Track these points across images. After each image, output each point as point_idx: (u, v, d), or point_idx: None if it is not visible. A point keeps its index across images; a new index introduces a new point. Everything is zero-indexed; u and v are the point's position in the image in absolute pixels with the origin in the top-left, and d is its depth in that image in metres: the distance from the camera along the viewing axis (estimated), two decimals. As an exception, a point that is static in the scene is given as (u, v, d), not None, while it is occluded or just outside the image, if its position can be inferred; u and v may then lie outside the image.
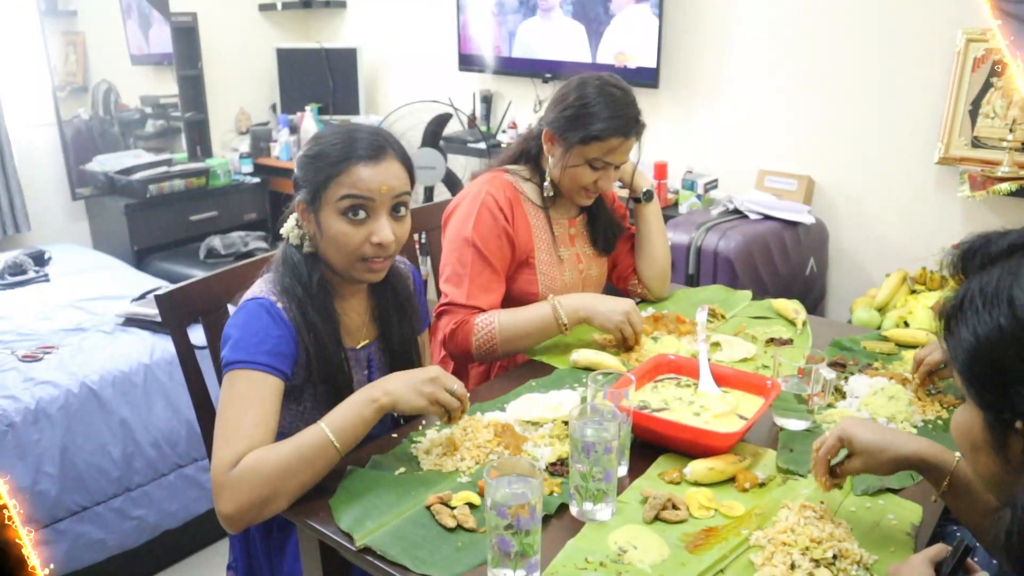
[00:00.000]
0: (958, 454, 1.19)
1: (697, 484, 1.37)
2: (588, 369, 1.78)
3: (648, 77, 3.51)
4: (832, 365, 1.84)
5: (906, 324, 2.75)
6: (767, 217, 3.14)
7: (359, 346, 1.61)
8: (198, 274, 1.81)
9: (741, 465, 1.39)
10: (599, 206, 2.08)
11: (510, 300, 1.95)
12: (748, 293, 2.30)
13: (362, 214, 1.46)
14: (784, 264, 3.09)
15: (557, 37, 3.82)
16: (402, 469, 1.41)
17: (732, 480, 1.38)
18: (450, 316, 1.86)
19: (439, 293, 1.96)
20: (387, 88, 4.76)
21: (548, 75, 3.91)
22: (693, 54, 3.55)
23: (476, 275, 1.87)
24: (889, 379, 1.72)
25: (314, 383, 1.52)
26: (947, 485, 1.19)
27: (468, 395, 1.42)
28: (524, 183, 2.00)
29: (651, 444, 1.47)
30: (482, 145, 3.97)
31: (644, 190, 2.12)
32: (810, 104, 3.30)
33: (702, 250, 2.98)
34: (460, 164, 4.09)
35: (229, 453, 1.31)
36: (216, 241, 3.96)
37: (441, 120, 3.75)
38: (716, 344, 1.93)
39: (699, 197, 3.42)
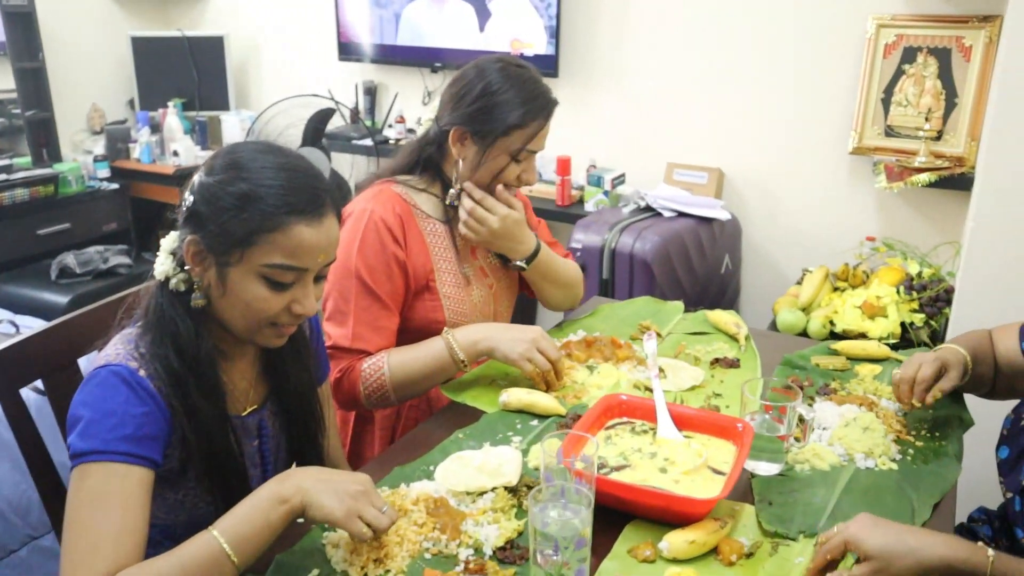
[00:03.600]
0: (991, 552, 1.02)
1: (676, 561, 1.14)
2: (521, 412, 1.53)
3: (547, 66, 3.28)
4: (789, 388, 1.66)
5: (832, 324, 2.63)
6: (681, 214, 2.97)
7: (247, 412, 1.30)
8: (50, 298, 1.44)
9: (723, 532, 1.18)
10: None
11: (413, 333, 1.68)
12: (679, 305, 2.10)
13: (288, 278, 1.16)
14: (701, 264, 2.93)
15: (446, 22, 3.54)
16: (315, 573, 1.12)
17: (714, 550, 1.17)
18: (334, 362, 1.58)
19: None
20: (259, 80, 4.35)
21: (438, 64, 3.62)
22: (594, 40, 3.34)
23: (361, 312, 1.60)
24: (859, 406, 1.54)
25: (194, 465, 1.21)
26: None
27: (397, 517, 1.15)
28: (418, 194, 1.72)
29: (614, 509, 1.23)
30: (368, 142, 3.65)
31: (515, 263, 1.79)
32: (719, 93, 3.15)
33: (617, 253, 2.78)
34: (345, 163, 3.76)
35: None
36: (70, 258, 3.47)
37: (323, 116, 3.41)
38: (661, 371, 1.71)
39: (606, 194, 3.22)
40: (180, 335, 1.18)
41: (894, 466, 1.40)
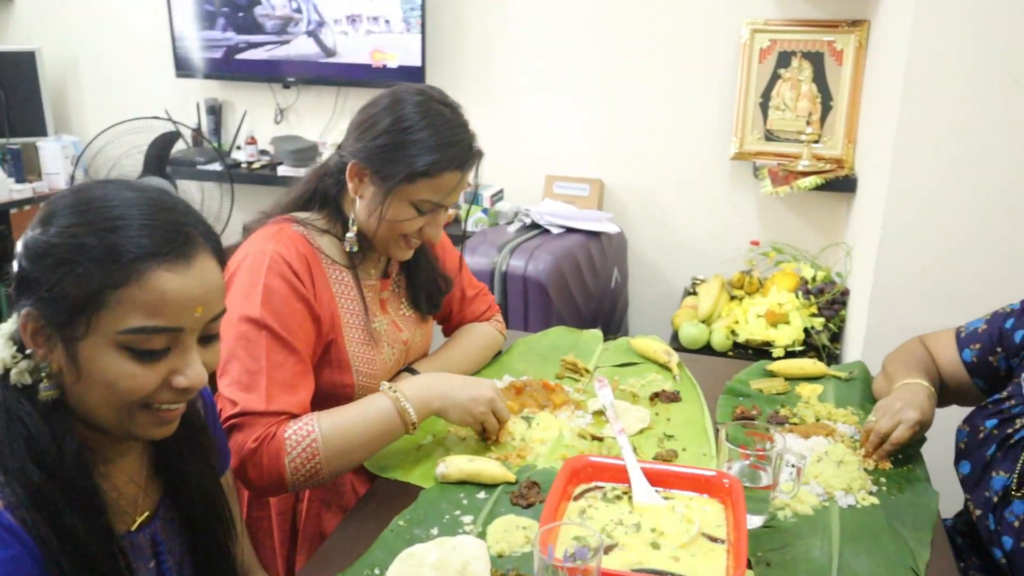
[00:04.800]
0: None
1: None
2: (464, 483, 1.32)
3: (413, 77, 3.06)
4: (742, 419, 1.54)
5: (735, 334, 2.57)
6: (569, 229, 2.83)
7: (136, 526, 1.03)
8: None
9: (735, 613, 1.02)
10: (420, 255, 1.61)
11: (314, 401, 1.39)
12: (597, 334, 1.95)
13: (159, 344, 0.90)
14: (594, 281, 2.81)
15: (296, 32, 3.24)
16: None
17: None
18: (245, 432, 1.27)
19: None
20: (80, 101, 3.86)
21: (290, 79, 3.32)
22: (463, 50, 3.15)
23: (276, 369, 1.31)
24: (825, 436, 1.44)
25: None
26: None
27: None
28: (320, 236, 1.46)
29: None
30: (217, 166, 3.30)
31: None
32: (597, 103, 3.05)
33: (508, 276, 2.60)
34: (193, 192, 3.38)
35: None
36: None
37: (165, 141, 3.03)
38: (601, 414, 1.55)
39: (485, 211, 3.04)
40: (35, 440, 0.89)
41: (875, 500, 1.31)
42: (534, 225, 2.86)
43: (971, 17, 1.88)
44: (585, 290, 2.75)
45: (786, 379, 1.73)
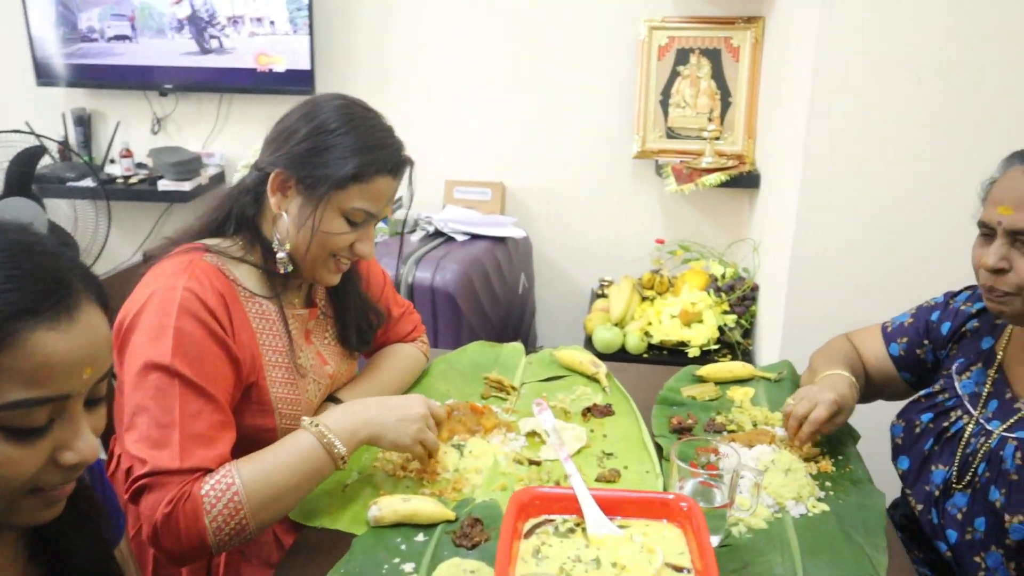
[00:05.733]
0: None
1: None
2: (400, 525, 1.21)
3: (302, 82, 2.90)
4: (680, 431, 1.49)
5: (649, 336, 2.54)
6: (474, 236, 2.74)
7: None
8: None
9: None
10: (349, 286, 1.49)
11: (234, 447, 1.23)
12: (518, 347, 1.86)
13: (41, 419, 0.74)
14: (502, 288, 2.72)
15: (171, 35, 3.02)
16: None
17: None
18: (157, 495, 1.12)
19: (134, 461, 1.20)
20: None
21: (167, 86, 3.09)
22: (355, 53, 3.01)
23: (191, 420, 1.15)
24: (769, 444, 1.40)
25: None
26: None
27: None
28: (236, 266, 1.31)
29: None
30: (89, 182, 3.04)
31: None
32: (496, 105, 2.97)
33: (415, 287, 2.49)
34: (64, 211, 3.11)
35: None
36: None
37: (29, 157, 2.76)
38: (534, 435, 1.47)
39: (385, 221, 2.91)
40: None
41: (825, 506, 1.28)
42: (438, 233, 2.76)
43: (874, 15, 1.89)
44: (494, 298, 2.67)
45: (716, 383, 1.69)
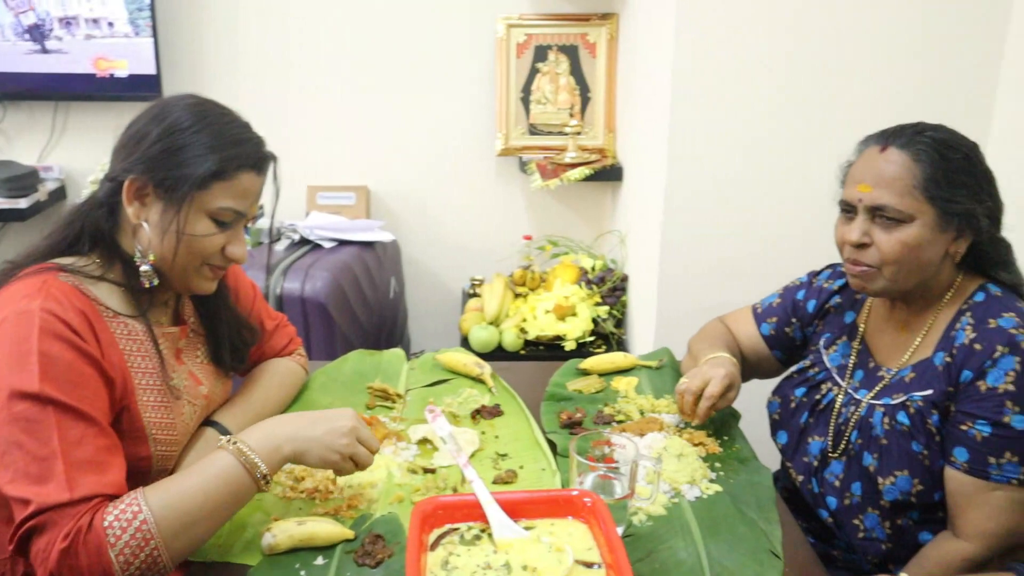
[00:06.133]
0: None
1: None
2: (297, 550, 1.15)
3: (147, 88, 2.73)
4: (570, 425, 1.50)
5: (525, 332, 2.55)
6: (342, 242, 2.67)
7: None
8: None
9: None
10: (219, 302, 1.40)
11: None
12: (399, 353, 1.83)
13: None
14: (372, 293, 2.67)
15: (-6, 45, 2.78)
16: None
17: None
18: (49, 534, 1.01)
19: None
20: None
21: (-10, 97, 2.84)
22: (205, 55, 2.86)
23: (73, 447, 1.05)
24: (659, 431, 1.42)
25: None
26: None
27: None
28: (95, 285, 1.20)
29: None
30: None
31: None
32: (356, 107, 2.89)
33: (284, 299, 2.40)
34: None
35: None
36: None
37: None
38: (426, 442, 1.44)
39: (247, 230, 2.78)
40: None
41: (718, 487, 1.31)
42: (303, 241, 2.67)
43: (728, 10, 1.96)
44: (366, 305, 2.61)
45: (600, 375, 1.72)
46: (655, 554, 1.13)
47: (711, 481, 1.33)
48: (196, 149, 1.17)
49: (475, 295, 2.83)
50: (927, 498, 1.28)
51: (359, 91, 2.87)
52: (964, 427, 1.24)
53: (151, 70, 2.73)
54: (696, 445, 1.41)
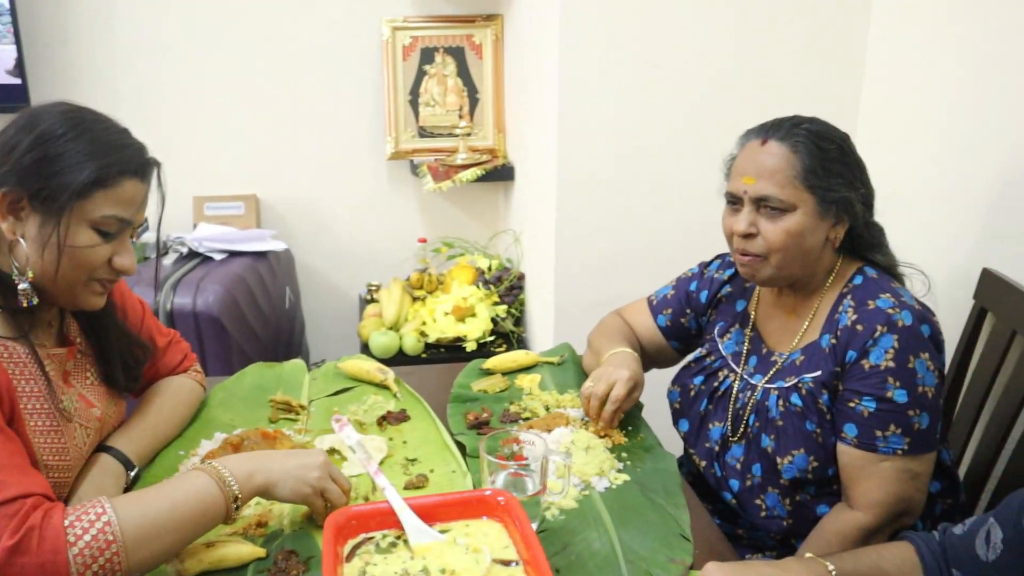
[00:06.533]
0: (832, 567, 1.00)
1: None
2: (209, 573, 1.11)
3: (13, 98, 2.58)
4: (477, 426, 1.50)
5: (425, 336, 2.54)
6: (233, 253, 2.59)
7: None
8: None
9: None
10: (108, 320, 1.34)
11: None
12: (300, 363, 1.79)
13: None
14: (268, 304, 2.60)
15: None
16: None
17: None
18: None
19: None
20: None
21: None
22: (77, 64, 2.73)
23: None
24: (565, 426, 1.44)
25: None
26: None
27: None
28: None
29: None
30: None
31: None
32: (242, 114, 2.82)
33: (176, 314, 2.32)
34: None
35: None
36: None
37: None
38: (333, 452, 1.41)
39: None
40: None
41: (626, 476, 1.34)
42: (192, 254, 2.58)
43: (612, 9, 2.01)
44: (261, 317, 2.55)
45: (503, 374, 1.73)
46: (570, 547, 1.15)
47: (619, 471, 1.36)
48: (73, 157, 1.11)
49: (373, 301, 2.80)
50: (822, 474, 1.35)
51: (243, 97, 2.80)
52: (852, 404, 1.31)
53: (16, 80, 2.58)
54: (602, 437, 1.44)
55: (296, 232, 2.94)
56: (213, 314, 2.31)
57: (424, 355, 2.54)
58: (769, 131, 1.36)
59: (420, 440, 1.47)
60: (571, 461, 1.23)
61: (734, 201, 1.39)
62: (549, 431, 1.43)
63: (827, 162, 1.33)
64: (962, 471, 1.61)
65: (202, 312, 2.30)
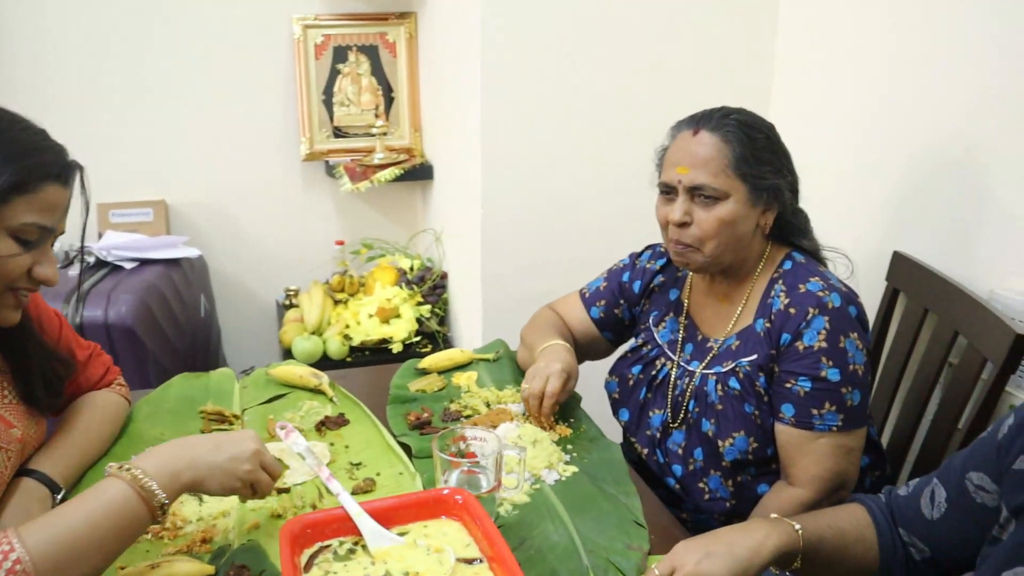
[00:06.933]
0: (798, 526, 1.02)
1: None
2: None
3: None
4: (420, 426, 1.48)
5: (349, 339, 2.50)
6: (144, 261, 2.49)
7: None
8: None
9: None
10: (26, 335, 1.26)
11: None
12: (228, 372, 1.73)
13: None
14: (183, 313, 2.51)
15: None
16: None
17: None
18: None
19: None
20: None
21: None
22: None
23: None
24: (510, 422, 1.44)
25: None
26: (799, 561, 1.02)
27: None
28: None
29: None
30: None
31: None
32: (147, 115, 2.71)
33: (86, 327, 2.21)
34: None
35: None
36: None
37: None
38: (281, 463, 1.37)
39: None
40: None
41: (574, 468, 1.35)
42: (100, 264, 2.46)
43: (532, 5, 2.01)
44: (177, 326, 2.45)
45: (439, 373, 1.71)
46: (529, 541, 1.15)
47: (567, 463, 1.36)
48: None
49: (293, 306, 2.73)
50: (762, 454, 1.39)
51: (149, 98, 2.68)
52: (788, 385, 1.35)
53: None
54: (547, 430, 1.44)
55: (209, 238, 2.84)
56: (127, 325, 2.21)
57: (349, 359, 2.50)
58: (700, 122, 1.39)
59: (362, 444, 1.44)
60: (525, 455, 1.23)
61: (668, 191, 1.42)
62: (495, 427, 1.42)
63: (757, 151, 1.37)
64: (884, 444, 1.69)
65: (115, 324, 2.20)
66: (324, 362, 2.46)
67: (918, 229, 1.78)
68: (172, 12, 2.63)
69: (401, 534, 1.08)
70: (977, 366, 1.48)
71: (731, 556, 0.96)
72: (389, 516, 1.10)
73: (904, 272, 1.76)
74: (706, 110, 1.42)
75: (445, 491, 1.11)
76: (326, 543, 1.07)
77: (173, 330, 2.42)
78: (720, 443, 1.40)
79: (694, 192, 1.37)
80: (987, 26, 1.58)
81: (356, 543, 1.07)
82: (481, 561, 1.02)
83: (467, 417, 1.52)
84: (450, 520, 1.10)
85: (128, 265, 2.45)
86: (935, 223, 1.72)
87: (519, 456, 1.21)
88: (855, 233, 1.91)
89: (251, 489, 1.12)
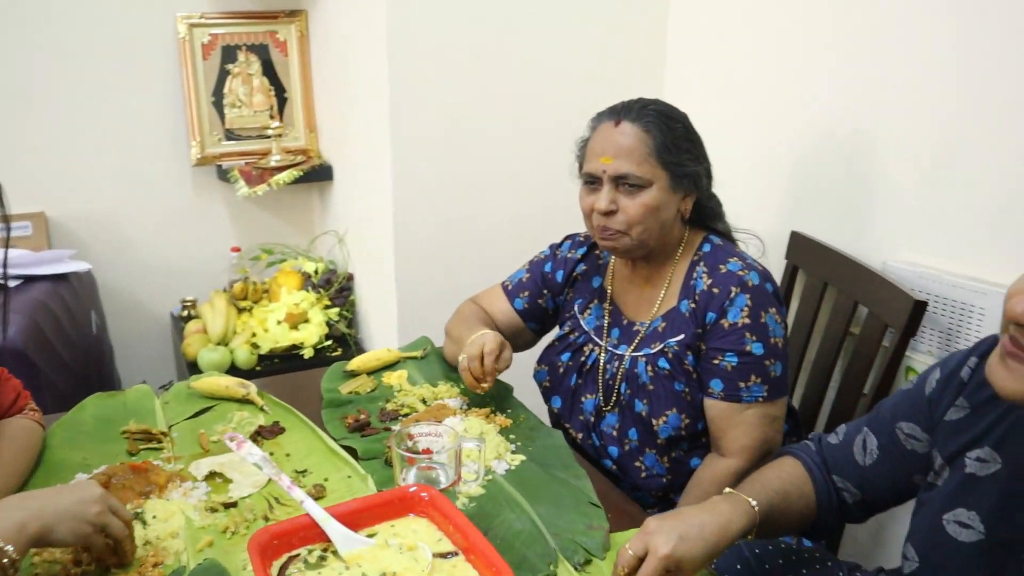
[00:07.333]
0: (754, 502, 1.09)
1: None
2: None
3: None
4: (360, 428, 1.48)
5: (258, 347, 2.44)
6: (29, 278, 2.35)
7: None
8: None
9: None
10: None
11: None
12: (145, 388, 1.67)
13: None
14: (75, 331, 2.38)
15: None
16: None
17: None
18: None
19: None
20: None
21: None
22: None
23: None
24: (453, 416, 1.46)
25: None
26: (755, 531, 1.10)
27: None
28: None
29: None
30: None
31: None
32: (18, 122, 2.55)
33: (-30, 352, 2.06)
34: None
35: None
36: None
37: None
38: (214, 476, 1.34)
39: None
40: None
41: (521, 456, 1.38)
42: (-24, 283, 2.30)
43: (438, 4, 2.02)
44: (70, 345, 2.32)
45: (368, 374, 1.71)
46: (492, 530, 1.17)
47: (514, 452, 1.39)
48: None
49: (191, 317, 2.64)
50: (693, 429, 1.46)
51: (22, 102, 2.52)
52: (716, 361, 1.42)
53: None
54: (489, 423, 1.46)
55: (95, 251, 2.70)
56: (17, 347, 2.08)
57: (259, 367, 2.44)
58: (620, 113, 1.44)
59: (304, 451, 1.42)
60: (484, 446, 1.25)
61: (592, 181, 1.46)
62: (440, 423, 1.43)
63: (676, 139, 1.43)
64: (796, 412, 1.80)
65: (4, 347, 2.07)
66: (233, 373, 2.38)
67: (813, 209, 1.89)
68: (49, 11, 2.48)
69: (369, 536, 1.08)
70: (878, 333, 1.60)
71: (703, 539, 1.01)
72: (355, 519, 1.09)
73: (802, 250, 1.88)
74: (625, 102, 1.47)
75: (412, 488, 1.12)
76: (295, 552, 1.05)
77: (67, 350, 2.29)
78: (654, 422, 1.46)
79: (618, 181, 1.42)
80: (871, 14, 1.70)
81: (325, 549, 1.06)
82: (456, 554, 1.04)
83: (405, 416, 1.52)
84: (417, 518, 1.11)
85: (12, 283, 2.30)
86: (829, 203, 1.84)
87: (479, 447, 1.23)
88: (755, 216, 2.02)
89: (103, 534, 1.06)
